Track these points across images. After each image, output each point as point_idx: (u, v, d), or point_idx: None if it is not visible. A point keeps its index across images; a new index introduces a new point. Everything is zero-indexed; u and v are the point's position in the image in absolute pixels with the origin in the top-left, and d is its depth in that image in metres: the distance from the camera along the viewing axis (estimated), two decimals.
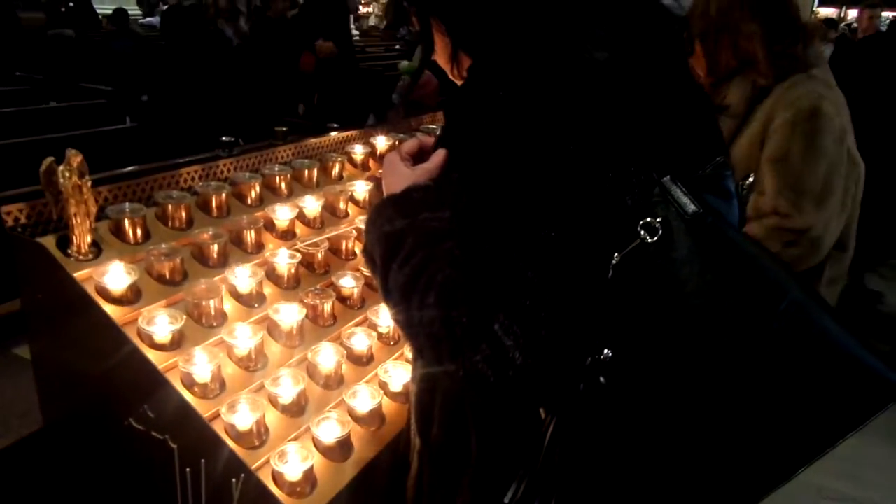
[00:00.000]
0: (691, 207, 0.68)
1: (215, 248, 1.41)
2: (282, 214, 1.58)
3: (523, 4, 0.78)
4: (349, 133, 2.06)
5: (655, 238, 0.68)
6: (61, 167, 1.21)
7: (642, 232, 0.68)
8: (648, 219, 0.69)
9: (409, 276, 0.75)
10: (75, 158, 1.21)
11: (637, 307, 0.70)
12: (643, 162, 0.71)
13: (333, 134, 2.03)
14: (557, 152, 0.71)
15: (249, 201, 1.60)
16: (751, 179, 1.59)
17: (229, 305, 1.36)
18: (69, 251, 1.24)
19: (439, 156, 0.84)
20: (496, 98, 0.75)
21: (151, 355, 1.18)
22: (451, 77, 0.90)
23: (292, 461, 1.16)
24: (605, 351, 0.69)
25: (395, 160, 0.90)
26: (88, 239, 1.25)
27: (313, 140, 1.94)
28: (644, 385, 0.70)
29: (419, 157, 0.90)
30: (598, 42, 0.75)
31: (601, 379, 0.70)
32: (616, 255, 0.69)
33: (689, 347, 0.68)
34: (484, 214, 0.73)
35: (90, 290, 1.21)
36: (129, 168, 1.59)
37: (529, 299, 0.68)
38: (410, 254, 0.76)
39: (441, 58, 0.90)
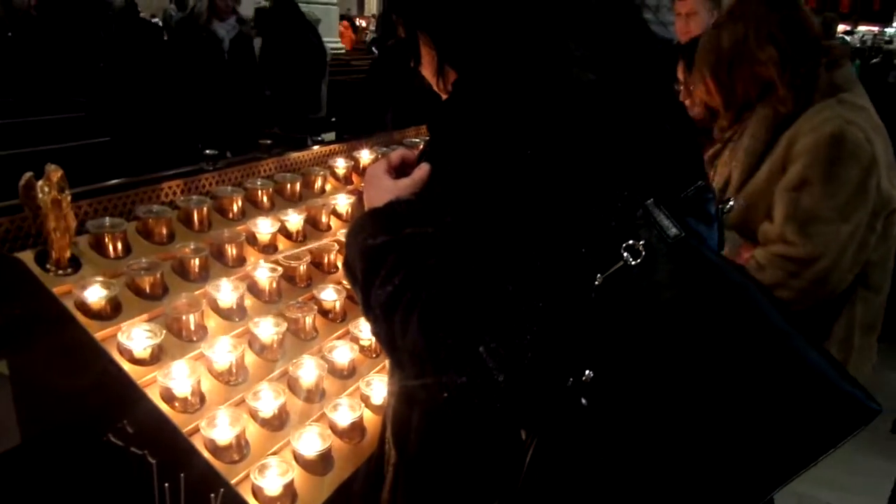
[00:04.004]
0: (673, 231, 0.69)
1: (196, 262, 1.41)
2: (263, 228, 1.58)
3: (509, 19, 0.78)
4: (332, 147, 2.08)
5: (638, 261, 0.69)
6: (40, 182, 1.21)
7: (625, 254, 0.69)
8: (631, 241, 0.69)
9: (392, 293, 0.75)
10: (55, 174, 1.21)
11: (618, 329, 0.70)
12: (627, 184, 0.72)
13: (316, 148, 2.04)
14: (543, 171, 0.71)
15: (231, 215, 1.60)
16: (731, 203, 1.54)
17: (210, 319, 1.36)
18: (48, 266, 1.24)
19: (422, 170, 0.83)
20: (481, 114, 0.75)
21: (130, 370, 1.18)
22: (436, 90, 0.90)
23: (272, 475, 1.16)
24: (587, 372, 0.69)
25: (377, 173, 0.89)
26: (67, 254, 1.25)
27: (296, 154, 1.95)
28: (625, 407, 0.71)
29: (402, 170, 0.89)
30: (580, 62, 0.76)
31: (583, 400, 0.70)
32: (599, 276, 0.69)
33: (670, 370, 0.69)
34: (467, 233, 0.73)
35: (69, 304, 1.21)
36: (110, 182, 1.58)
37: (514, 322, 0.69)
38: (393, 271, 0.76)
39: (427, 70, 0.89)
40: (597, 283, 0.69)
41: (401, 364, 0.78)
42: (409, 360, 0.75)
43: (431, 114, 0.84)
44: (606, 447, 0.72)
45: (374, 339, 1.52)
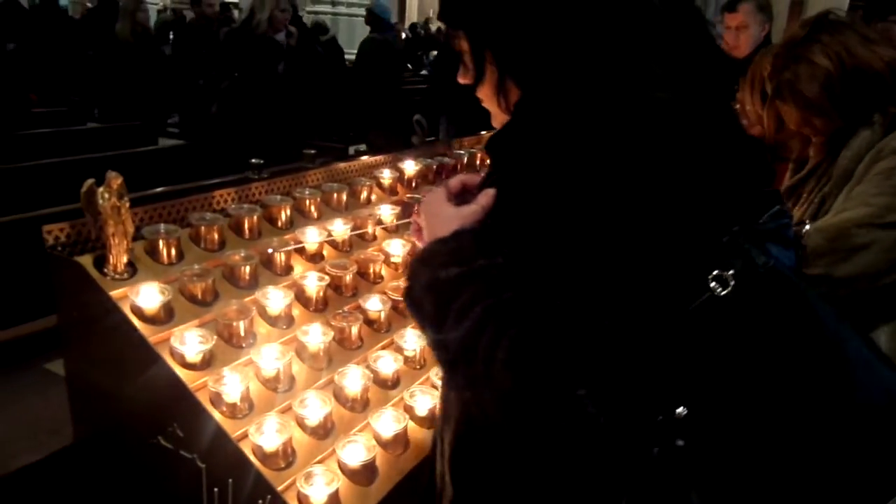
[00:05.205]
0: (762, 259, 0.67)
1: (246, 269, 1.43)
2: (311, 237, 1.60)
3: (580, 34, 0.73)
4: (378, 158, 2.09)
5: (727, 290, 0.66)
6: (101, 189, 1.24)
7: (713, 284, 0.66)
8: (718, 271, 0.66)
9: (471, 329, 0.70)
10: (115, 181, 1.24)
11: (710, 362, 0.67)
12: (712, 210, 0.69)
13: (362, 159, 2.06)
14: (624, 199, 0.67)
15: (280, 224, 1.62)
16: (808, 227, 1.48)
17: (258, 326, 1.38)
18: (105, 270, 1.27)
19: (487, 196, 0.78)
20: (553, 137, 0.71)
21: (182, 374, 1.20)
22: (494, 110, 0.85)
23: (318, 484, 1.16)
24: (679, 409, 0.66)
25: (439, 200, 0.84)
26: (125, 259, 1.28)
27: (342, 164, 1.98)
28: (722, 445, 0.67)
29: (462, 196, 0.84)
30: (657, 81, 0.71)
31: (678, 441, 0.66)
32: (687, 307, 0.66)
33: (765, 404, 0.66)
34: (548, 266, 0.69)
35: (125, 308, 1.24)
36: (165, 189, 1.63)
37: (615, 360, 0.65)
38: (469, 305, 0.71)
39: (486, 89, 0.83)
40: (685, 314, 0.66)
41: (483, 403, 0.73)
42: (493, 400, 0.71)
43: (493, 137, 0.80)
44: (705, 490, 0.67)
45: (418, 349, 1.52)
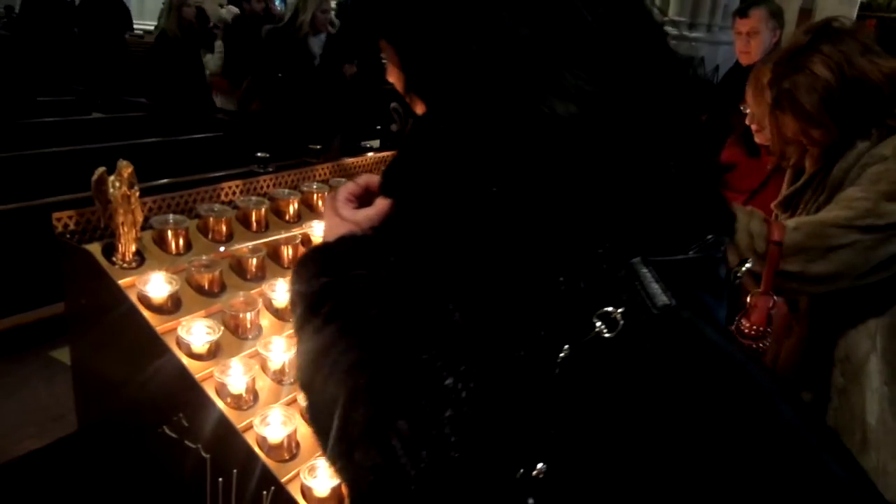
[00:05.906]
0: (662, 299, 0.56)
1: (254, 261, 1.43)
2: (319, 231, 1.61)
3: (486, 37, 0.62)
4: (385, 154, 2.10)
5: (615, 332, 0.55)
6: (112, 177, 1.25)
7: (598, 323, 0.56)
8: (609, 308, 0.56)
9: (319, 348, 0.64)
10: (126, 169, 1.25)
11: (585, 414, 0.57)
12: (606, 238, 0.58)
13: (370, 155, 2.07)
14: (497, 219, 0.59)
15: (288, 217, 1.63)
16: (748, 265, 1.41)
17: (265, 319, 1.38)
18: (114, 259, 1.28)
19: (384, 202, 0.70)
20: (442, 145, 0.63)
21: (189, 364, 1.21)
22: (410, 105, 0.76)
23: (322, 476, 1.17)
24: (539, 465, 0.55)
25: (335, 201, 0.76)
26: (133, 248, 1.29)
27: (350, 160, 1.98)
28: None
29: (366, 200, 0.75)
30: (564, 92, 0.60)
31: (530, 500, 0.56)
32: (566, 348, 0.56)
33: (647, 470, 0.56)
34: (406, 282, 0.61)
35: (132, 297, 1.24)
36: (174, 180, 1.63)
37: (431, 398, 0.56)
38: (326, 320, 0.64)
39: (397, 85, 0.74)
40: (563, 355, 0.56)
41: (322, 433, 0.64)
42: (319, 430, 0.65)
43: (404, 137, 0.72)
44: None
45: None
